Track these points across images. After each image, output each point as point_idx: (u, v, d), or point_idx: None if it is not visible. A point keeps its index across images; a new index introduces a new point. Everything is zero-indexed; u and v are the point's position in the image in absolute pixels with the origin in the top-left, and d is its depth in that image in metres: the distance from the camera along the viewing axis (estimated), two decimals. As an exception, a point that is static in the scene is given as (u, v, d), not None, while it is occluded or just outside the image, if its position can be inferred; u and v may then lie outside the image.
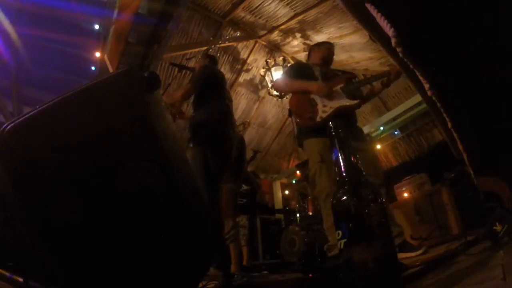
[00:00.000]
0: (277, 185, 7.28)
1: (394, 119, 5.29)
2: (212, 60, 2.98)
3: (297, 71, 2.63)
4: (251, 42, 5.50)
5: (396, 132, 5.76)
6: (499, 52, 0.95)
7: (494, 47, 0.95)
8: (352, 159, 0.91)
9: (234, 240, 2.95)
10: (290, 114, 2.60)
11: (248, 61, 5.74)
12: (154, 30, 4.00)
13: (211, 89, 2.54)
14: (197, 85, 2.53)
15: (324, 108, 2.32)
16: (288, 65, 5.63)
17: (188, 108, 4.44)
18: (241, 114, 6.24)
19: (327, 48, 2.73)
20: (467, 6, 0.91)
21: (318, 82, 2.41)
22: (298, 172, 6.30)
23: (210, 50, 4.97)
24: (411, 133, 5.55)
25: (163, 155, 0.93)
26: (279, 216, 5.71)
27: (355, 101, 2.39)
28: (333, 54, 2.77)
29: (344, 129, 0.94)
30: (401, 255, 2.10)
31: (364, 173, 0.91)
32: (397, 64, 1.21)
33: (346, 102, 2.35)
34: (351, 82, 2.46)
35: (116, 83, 0.92)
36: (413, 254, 2.15)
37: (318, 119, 2.32)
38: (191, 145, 2.41)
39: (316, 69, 2.56)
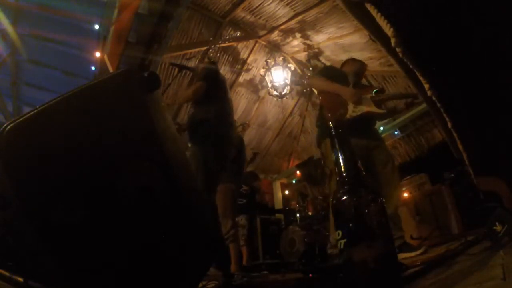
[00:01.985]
0: (277, 185, 7.28)
1: (394, 119, 5.28)
2: (214, 63, 2.99)
3: (333, 73, 2.81)
4: (251, 42, 5.50)
5: (396, 132, 5.76)
6: (499, 52, 0.95)
7: (494, 47, 0.95)
8: (352, 159, 0.91)
9: (233, 240, 2.95)
10: (320, 109, 2.75)
11: (248, 61, 5.74)
12: (154, 30, 4.00)
13: (212, 89, 2.53)
14: (207, 80, 2.51)
15: (355, 109, 2.48)
16: (292, 67, 5.67)
17: (186, 113, 4.48)
18: (241, 114, 6.24)
19: (361, 65, 2.96)
20: (467, 7, 0.91)
21: (351, 88, 2.56)
22: (298, 172, 6.31)
23: (210, 50, 4.97)
24: (411, 133, 5.54)
25: (163, 155, 0.93)
26: (279, 216, 5.70)
27: (383, 110, 2.58)
28: (364, 72, 3.04)
29: (345, 130, 0.94)
30: (401, 255, 2.11)
31: (364, 173, 0.91)
32: (397, 64, 1.21)
33: (374, 109, 2.53)
34: (379, 94, 2.64)
35: (116, 83, 0.92)
36: (412, 254, 2.16)
37: (347, 117, 2.47)
38: (190, 144, 2.41)
39: (350, 77, 2.72)
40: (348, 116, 2.47)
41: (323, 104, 2.69)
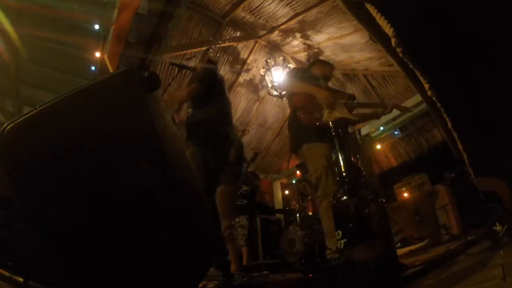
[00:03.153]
0: (277, 185, 7.27)
1: (394, 119, 5.28)
2: (213, 63, 2.98)
3: (305, 74, 2.75)
4: (251, 42, 5.50)
5: (396, 132, 5.76)
6: (499, 51, 0.95)
7: (494, 47, 0.95)
8: (352, 159, 0.91)
9: (230, 240, 2.97)
10: (294, 111, 2.64)
11: (248, 61, 5.74)
12: (154, 30, 4.00)
13: (211, 89, 2.53)
14: (203, 82, 2.50)
15: (330, 114, 2.43)
16: (292, 66, 5.66)
17: (184, 109, 4.48)
18: (241, 114, 6.24)
19: (330, 69, 2.93)
20: (467, 7, 0.91)
21: (326, 91, 2.53)
22: (298, 172, 6.30)
23: (210, 50, 4.97)
24: (411, 133, 5.55)
25: (163, 155, 0.93)
26: (279, 216, 5.71)
27: (356, 118, 2.60)
28: (332, 74, 3.03)
29: (344, 130, 0.94)
30: (404, 250, 2.13)
31: (364, 173, 0.91)
32: (397, 64, 1.21)
33: (348, 115, 2.52)
34: (352, 101, 2.67)
35: (116, 83, 0.92)
36: (417, 246, 2.18)
37: (323, 121, 2.42)
38: (189, 144, 2.41)
39: (321, 80, 2.69)
40: (323, 121, 2.41)
41: (297, 106, 2.58)
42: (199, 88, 2.48)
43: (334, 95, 2.49)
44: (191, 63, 4.94)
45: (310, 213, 4.40)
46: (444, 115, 1.03)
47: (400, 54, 0.96)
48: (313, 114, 2.43)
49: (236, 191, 3.36)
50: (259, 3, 4.59)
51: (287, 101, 2.83)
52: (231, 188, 3.18)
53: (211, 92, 2.52)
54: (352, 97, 2.72)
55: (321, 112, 2.44)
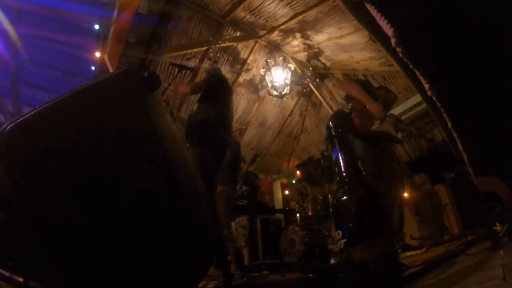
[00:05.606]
0: (277, 185, 7.28)
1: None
2: (216, 64, 3.03)
3: (371, 91, 2.94)
4: (251, 42, 5.50)
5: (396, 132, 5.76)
6: (499, 51, 0.95)
7: (495, 46, 0.95)
8: (352, 159, 0.90)
9: (228, 240, 2.99)
10: (350, 112, 2.83)
11: (248, 61, 5.74)
12: (154, 30, 4.00)
13: (217, 91, 2.55)
14: (209, 85, 2.55)
15: (379, 126, 2.66)
16: (292, 67, 5.70)
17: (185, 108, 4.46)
18: (241, 114, 6.24)
19: (393, 99, 3.24)
20: (467, 6, 0.91)
21: (381, 105, 2.71)
22: (298, 172, 6.30)
23: (210, 50, 4.97)
24: (411, 133, 5.54)
25: (163, 155, 0.93)
26: (279, 216, 5.71)
27: (400, 137, 2.83)
28: (393, 104, 3.33)
29: (344, 129, 0.94)
30: (406, 254, 2.15)
31: (364, 173, 0.91)
32: (397, 64, 1.21)
33: (393, 131, 2.76)
34: (400, 124, 2.93)
35: (116, 83, 0.92)
36: (418, 251, 2.20)
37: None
38: (187, 144, 2.42)
39: (381, 101, 2.86)
40: (372, 130, 2.62)
41: (355, 108, 2.74)
42: (202, 87, 2.52)
43: (385, 112, 2.69)
44: (191, 63, 4.95)
45: (310, 213, 4.39)
46: (444, 115, 1.03)
47: (400, 54, 0.96)
48: (365, 121, 2.63)
49: (233, 192, 3.38)
50: (259, 3, 4.59)
51: (344, 103, 2.94)
52: (227, 189, 3.19)
53: (216, 94, 2.54)
54: (400, 121, 2.95)
55: (372, 122, 2.63)
